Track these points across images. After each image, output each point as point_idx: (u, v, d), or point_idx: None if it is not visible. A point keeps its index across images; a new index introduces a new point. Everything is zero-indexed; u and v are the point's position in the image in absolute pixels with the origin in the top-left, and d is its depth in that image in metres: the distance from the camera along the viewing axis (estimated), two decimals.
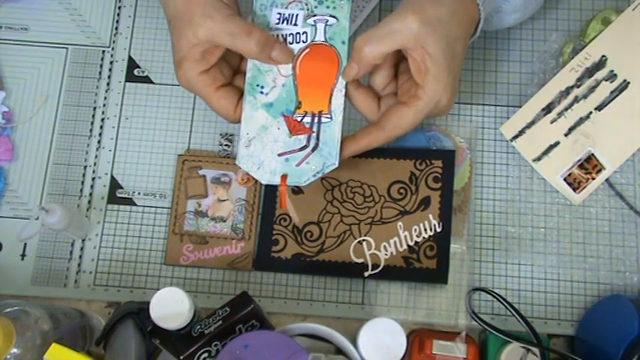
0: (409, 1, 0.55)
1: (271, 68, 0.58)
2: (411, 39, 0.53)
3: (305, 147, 0.57)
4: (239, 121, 0.58)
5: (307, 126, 0.57)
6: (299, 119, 0.57)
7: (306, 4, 0.58)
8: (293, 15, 0.58)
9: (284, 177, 0.57)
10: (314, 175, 0.56)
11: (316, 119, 0.57)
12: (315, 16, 0.58)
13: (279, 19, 0.59)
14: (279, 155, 0.57)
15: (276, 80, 0.58)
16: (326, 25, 0.58)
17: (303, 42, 0.58)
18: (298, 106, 0.58)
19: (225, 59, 0.59)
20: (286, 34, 0.58)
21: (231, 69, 0.60)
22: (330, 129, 0.57)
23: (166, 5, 0.58)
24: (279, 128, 0.57)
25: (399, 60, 0.59)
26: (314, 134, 0.57)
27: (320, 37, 0.58)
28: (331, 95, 0.57)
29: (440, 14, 0.54)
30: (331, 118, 0.57)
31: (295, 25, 0.58)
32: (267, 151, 0.57)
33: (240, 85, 0.59)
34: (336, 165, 0.57)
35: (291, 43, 0.58)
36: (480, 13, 0.58)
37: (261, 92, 0.58)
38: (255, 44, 0.55)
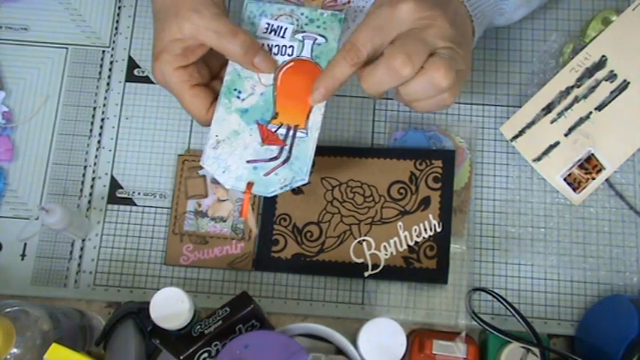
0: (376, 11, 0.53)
1: (251, 75, 0.57)
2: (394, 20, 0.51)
3: (275, 158, 0.56)
4: (209, 124, 0.57)
5: (281, 138, 0.56)
6: (273, 130, 0.56)
7: (297, 20, 0.58)
8: (282, 27, 0.58)
9: (250, 184, 0.56)
10: (281, 187, 0.55)
11: (291, 132, 0.56)
12: (304, 32, 0.57)
13: (267, 29, 0.58)
14: (248, 162, 0.56)
15: (255, 88, 0.57)
16: (314, 43, 0.57)
17: (289, 55, 0.57)
18: (274, 116, 0.56)
19: (206, 62, 0.58)
20: (272, 45, 0.58)
21: (210, 72, 0.59)
22: (305, 144, 0.56)
23: None
24: (251, 135, 0.56)
25: None
26: (287, 147, 0.56)
27: (306, 54, 0.57)
28: (310, 111, 0.56)
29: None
30: (307, 134, 0.56)
31: (283, 37, 0.58)
32: (235, 156, 0.56)
33: (217, 88, 0.58)
34: (306, 181, 0.55)
35: (275, 54, 0.57)
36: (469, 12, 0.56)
37: (238, 97, 0.57)
38: (240, 46, 0.54)
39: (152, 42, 0.57)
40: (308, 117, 0.56)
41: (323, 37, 0.57)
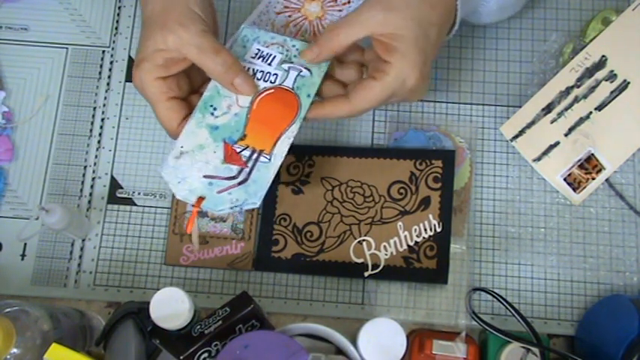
0: None
1: (230, 95, 0.57)
2: (378, 25, 0.54)
3: (233, 178, 0.56)
4: (177, 137, 0.57)
5: (243, 159, 0.56)
6: (238, 150, 0.56)
7: (287, 51, 0.58)
8: (270, 55, 0.58)
9: (200, 199, 0.55)
10: (231, 207, 0.55)
11: (255, 156, 0.56)
12: (291, 63, 0.58)
13: (256, 54, 0.59)
14: (205, 177, 0.56)
15: (230, 107, 0.57)
16: (299, 74, 0.58)
17: (271, 82, 0.58)
18: (242, 137, 0.56)
19: (188, 75, 0.58)
20: (257, 70, 0.58)
21: (190, 86, 0.59)
22: (265, 170, 0.56)
23: (145, 7, 0.58)
24: (215, 152, 0.56)
25: (362, 56, 0.60)
26: (247, 169, 0.56)
27: (288, 83, 0.57)
28: (278, 139, 0.56)
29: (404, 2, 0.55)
30: (270, 160, 0.56)
31: (269, 64, 0.58)
32: (194, 169, 0.56)
33: (193, 103, 0.58)
34: (257, 205, 0.55)
35: (258, 79, 0.58)
36: (456, 3, 0.58)
37: (212, 114, 0.57)
38: (221, 64, 0.54)
39: (137, 48, 0.57)
40: (275, 144, 0.56)
41: (308, 70, 0.58)
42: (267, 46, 0.59)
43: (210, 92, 0.58)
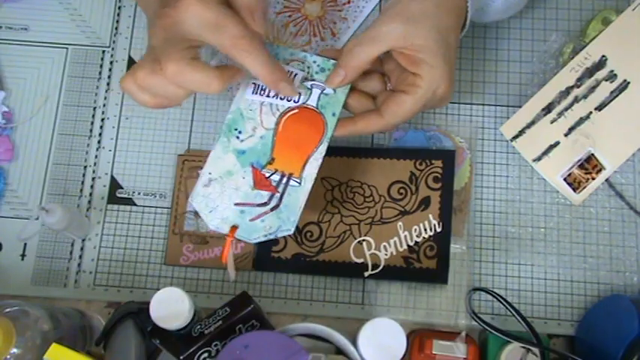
0: (393, 1, 0.56)
1: (254, 117, 0.56)
2: (400, 38, 0.54)
3: (265, 204, 0.55)
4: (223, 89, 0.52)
5: (273, 184, 0.55)
6: (267, 175, 0.55)
7: (308, 67, 0.57)
8: (292, 73, 0.56)
9: (234, 228, 0.54)
10: (265, 236, 0.54)
11: (284, 180, 0.55)
12: (313, 80, 0.57)
13: None
14: (236, 205, 0.54)
15: (255, 130, 0.56)
16: (322, 92, 0.56)
17: (295, 102, 0.56)
18: (270, 161, 0.55)
19: None
20: None
21: None
22: (296, 194, 0.55)
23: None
24: (244, 177, 0.55)
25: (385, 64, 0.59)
26: (278, 194, 0.55)
27: (312, 102, 0.56)
28: (307, 161, 0.55)
29: (424, 8, 0.54)
30: (300, 183, 0.55)
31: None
32: (224, 197, 0.55)
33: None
34: (291, 232, 0.54)
35: (282, 99, 0.56)
36: (467, 4, 0.58)
37: (237, 137, 0.56)
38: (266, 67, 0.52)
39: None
40: (304, 167, 0.55)
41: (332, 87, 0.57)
42: (287, 64, 0.57)
43: (232, 115, 0.56)
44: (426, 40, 0.54)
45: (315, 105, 0.56)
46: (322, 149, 0.56)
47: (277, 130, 0.56)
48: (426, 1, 0.55)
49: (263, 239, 0.54)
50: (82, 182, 0.69)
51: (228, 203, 0.55)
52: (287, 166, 0.55)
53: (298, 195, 0.55)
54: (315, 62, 0.58)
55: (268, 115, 0.56)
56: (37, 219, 0.68)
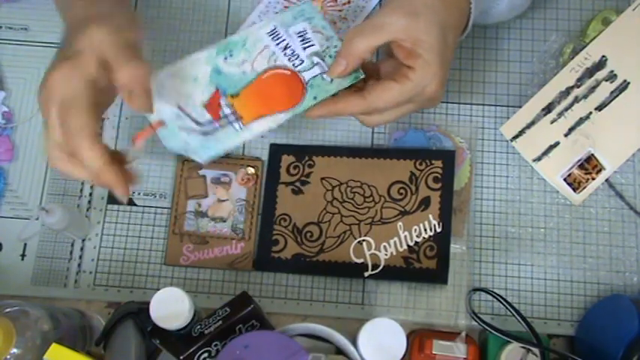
0: None
1: (251, 52, 0.56)
2: (401, 30, 0.53)
3: (200, 124, 0.55)
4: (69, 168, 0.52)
5: (221, 114, 0.55)
6: (222, 103, 0.55)
7: (327, 48, 0.57)
8: (310, 41, 0.57)
9: (160, 122, 0.55)
10: (179, 149, 0.55)
11: (232, 118, 0.55)
12: (322, 60, 0.57)
13: (299, 32, 0.58)
14: (178, 107, 0.55)
15: (244, 63, 0.56)
16: (320, 74, 0.57)
17: (293, 66, 0.57)
18: (234, 96, 0.56)
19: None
20: (289, 46, 0.57)
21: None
22: (231, 136, 0.55)
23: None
24: (202, 92, 0.55)
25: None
26: (217, 125, 0.55)
27: (305, 76, 0.57)
28: (261, 117, 0.56)
29: (429, 2, 0.54)
30: (240, 129, 0.55)
31: (304, 49, 0.57)
32: (174, 94, 0.55)
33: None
34: (200, 161, 0.55)
35: (284, 55, 0.57)
36: (470, 5, 0.58)
37: (225, 58, 0.56)
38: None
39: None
40: (256, 120, 0.56)
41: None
42: (313, 31, 0.57)
43: (237, 38, 0.57)
44: (428, 35, 0.53)
45: (305, 80, 0.56)
46: (283, 117, 0.56)
47: (260, 76, 0.56)
48: None
49: (175, 150, 0.55)
50: (82, 182, 0.69)
51: (173, 101, 0.55)
52: (243, 110, 0.55)
53: (232, 138, 0.55)
54: (335, 47, 0.57)
55: (263, 59, 0.56)
56: (37, 219, 0.68)
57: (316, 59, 0.57)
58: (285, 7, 0.72)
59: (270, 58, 0.57)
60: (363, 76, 0.57)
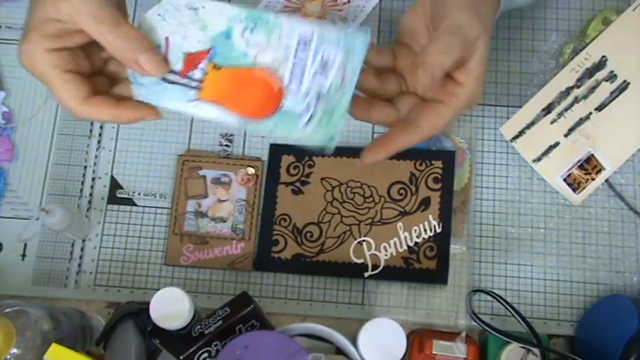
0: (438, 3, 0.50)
1: (265, 41, 0.48)
2: (474, 41, 0.48)
3: (172, 70, 0.49)
4: (87, 118, 0.49)
5: (189, 74, 0.49)
6: (200, 65, 0.48)
7: (332, 95, 0.47)
8: (326, 76, 0.47)
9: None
10: (131, 75, 0.49)
11: (193, 84, 0.48)
12: (314, 104, 0.48)
13: (327, 61, 0.48)
14: (165, 39, 0.49)
15: (250, 49, 0.48)
16: (300, 115, 0.47)
17: (287, 86, 0.48)
18: (216, 67, 0.49)
19: (87, 54, 0.49)
20: (305, 64, 0.48)
21: (90, 66, 0.49)
22: (175, 97, 0.48)
23: None
24: (198, 42, 0.49)
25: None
26: (177, 79, 0.48)
27: (286, 104, 0.48)
28: (218, 105, 0.48)
29: (486, 10, 0.50)
30: (190, 100, 0.48)
31: (312, 79, 0.47)
32: (172, 23, 0.49)
33: (97, 85, 0.49)
34: (137, 97, 0.48)
35: (295, 66, 0.47)
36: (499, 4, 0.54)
37: (242, 31, 0.48)
38: (122, 38, 0.46)
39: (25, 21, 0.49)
40: (211, 103, 0.48)
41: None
42: (339, 68, 0.47)
43: (272, 19, 0.48)
44: (485, 48, 0.47)
45: (281, 106, 0.48)
46: (232, 121, 0.48)
47: (252, 68, 0.48)
48: (486, 4, 0.50)
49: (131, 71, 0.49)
50: (82, 182, 0.69)
51: (166, 30, 0.48)
52: (210, 86, 0.48)
53: (175, 100, 0.49)
54: (340, 102, 0.47)
55: (270, 56, 0.48)
56: (38, 219, 0.68)
57: (311, 99, 0.47)
58: (285, 6, 0.72)
59: (276, 60, 0.48)
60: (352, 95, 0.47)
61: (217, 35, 0.49)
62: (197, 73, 0.48)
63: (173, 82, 0.49)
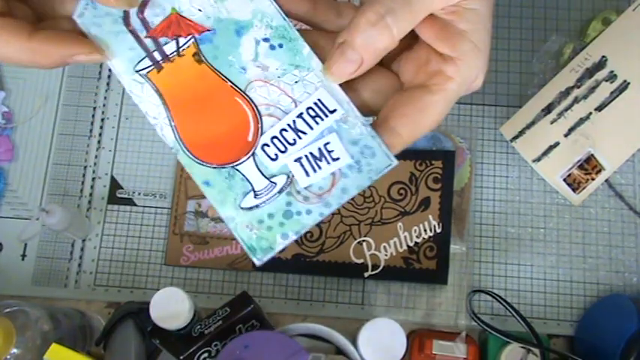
0: None
1: (276, 74, 0.34)
2: None
3: (139, 19, 0.35)
4: (32, 62, 0.34)
5: (160, 39, 0.35)
6: (181, 40, 0.35)
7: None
8: (331, 154, 0.34)
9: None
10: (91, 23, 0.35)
11: (159, 55, 0.35)
12: (308, 165, 0.34)
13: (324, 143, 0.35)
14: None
15: (255, 67, 0.35)
16: (282, 189, 0.34)
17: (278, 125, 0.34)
18: (199, 60, 0.35)
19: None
20: (305, 124, 0.34)
21: (33, 14, 0.35)
22: (119, 44, 0.35)
23: None
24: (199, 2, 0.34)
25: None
26: (143, 35, 0.35)
27: (259, 157, 0.34)
28: (168, 106, 0.37)
29: None
30: (141, 70, 0.36)
31: (313, 125, 0.34)
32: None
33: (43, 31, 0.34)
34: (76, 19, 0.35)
35: (299, 115, 0.34)
36: None
37: (266, 40, 0.34)
38: None
39: None
40: (161, 94, 0.37)
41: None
42: (338, 145, 0.34)
43: (298, 34, 0.34)
44: (476, 2, 0.33)
45: (256, 159, 0.35)
46: (170, 141, 0.36)
47: (244, 91, 0.35)
48: None
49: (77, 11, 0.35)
50: (82, 182, 0.69)
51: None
52: (173, 76, 0.35)
53: (124, 54, 0.35)
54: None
55: (281, 93, 0.34)
56: (38, 219, 0.68)
57: (279, 183, 0.34)
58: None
59: (272, 104, 0.35)
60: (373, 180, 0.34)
61: (228, 22, 0.35)
62: (169, 47, 0.35)
63: (134, 35, 0.35)
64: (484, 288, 0.64)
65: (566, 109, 0.66)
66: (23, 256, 0.68)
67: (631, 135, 0.66)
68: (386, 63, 0.36)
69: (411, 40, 0.35)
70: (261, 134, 0.35)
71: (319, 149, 0.34)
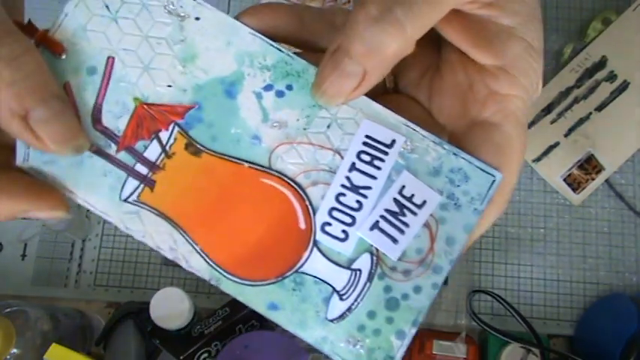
0: None
1: (299, 130, 0.26)
2: None
3: (102, 128, 0.26)
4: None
5: (137, 145, 0.26)
6: (162, 136, 0.26)
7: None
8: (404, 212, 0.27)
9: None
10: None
11: (138, 173, 0.27)
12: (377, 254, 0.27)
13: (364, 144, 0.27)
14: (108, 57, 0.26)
15: (267, 129, 0.27)
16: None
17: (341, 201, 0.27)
18: (195, 153, 0.26)
19: None
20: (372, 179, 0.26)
21: None
22: (87, 178, 0.27)
23: None
24: (169, 85, 0.26)
25: None
26: (113, 150, 0.27)
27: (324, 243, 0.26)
28: (183, 230, 0.28)
29: None
30: (131, 202, 0.28)
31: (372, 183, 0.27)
32: (147, 53, 0.27)
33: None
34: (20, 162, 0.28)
35: (361, 173, 0.26)
36: None
37: (267, 88, 0.26)
38: None
39: None
40: (164, 216, 0.28)
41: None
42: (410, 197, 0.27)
43: (306, 63, 0.26)
44: None
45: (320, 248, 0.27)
46: (199, 268, 0.28)
47: (270, 168, 0.27)
48: None
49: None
50: None
51: (116, 40, 0.26)
52: (171, 185, 0.27)
53: (100, 189, 0.27)
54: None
55: (316, 148, 0.26)
56: (38, 219, 0.68)
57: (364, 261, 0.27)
58: None
59: (310, 165, 0.26)
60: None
61: (211, 85, 0.26)
62: (152, 150, 0.26)
63: (102, 155, 0.27)
64: (484, 288, 0.64)
65: (566, 109, 0.66)
66: (23, 256, 0.68)
67: (631, 135, 0.66)
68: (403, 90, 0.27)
69: (434, 54, 0.26)
70: (314, 213, 0.26)
71: (395, 200, 0.26)
